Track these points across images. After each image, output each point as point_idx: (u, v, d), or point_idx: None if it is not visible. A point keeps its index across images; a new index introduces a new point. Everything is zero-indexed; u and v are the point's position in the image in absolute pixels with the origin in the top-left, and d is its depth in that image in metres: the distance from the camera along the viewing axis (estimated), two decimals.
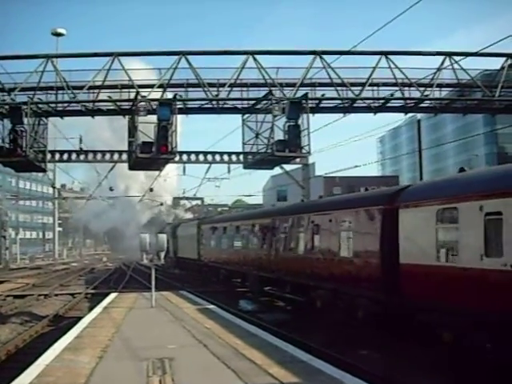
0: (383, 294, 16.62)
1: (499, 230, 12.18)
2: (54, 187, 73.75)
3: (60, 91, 25.18)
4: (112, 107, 26.48)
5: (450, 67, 24.95)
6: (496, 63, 26.03)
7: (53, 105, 25.92)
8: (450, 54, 24.76)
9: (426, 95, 25.98)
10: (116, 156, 36.03)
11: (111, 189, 47.26)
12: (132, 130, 24.17)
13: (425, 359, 13.67)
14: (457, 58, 24.70)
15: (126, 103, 25.68)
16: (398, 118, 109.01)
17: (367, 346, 15.79)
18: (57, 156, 35.90)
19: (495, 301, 12.07)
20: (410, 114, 34.96)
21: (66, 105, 26.07)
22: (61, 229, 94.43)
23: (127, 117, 25.34)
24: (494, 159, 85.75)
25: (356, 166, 32.39)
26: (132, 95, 24.76)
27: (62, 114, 26.80)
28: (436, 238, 14.54)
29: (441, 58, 24.90)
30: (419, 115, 55.53)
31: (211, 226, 40.95)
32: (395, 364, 13.81)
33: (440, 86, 26.36)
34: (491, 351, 12.54)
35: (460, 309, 13.14)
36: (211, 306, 21.24)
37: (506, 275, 11.75)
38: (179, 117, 24.59)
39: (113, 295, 25.06)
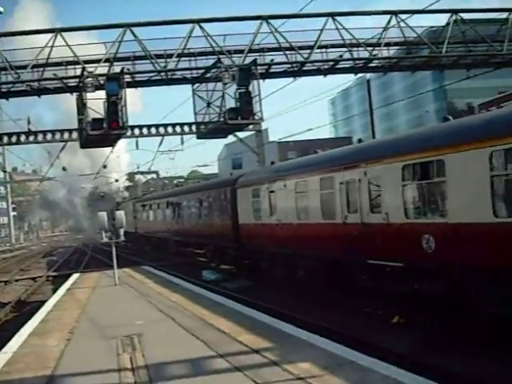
0: (234, 243, 25.95)
1: (274, 201, 21.52)
2: (4, 171, 71.87)
3: (3, 72, 24.44)
4: (58, 85, 25.86)
5: (397, 26, 25.08)
6: (441, 20, 26.34)
7: None
8: (396, 13, 24.84)
9: (375, 55, 26.12)
10: (66, 135, 35.26)
11: (64, 168, 46.36)
12: (81, 107, 23.63)
13: (386, 316, 14.02)
14: (403, 16, 24.84)
15: (73, 80, 25.10)
16: (348, 80, 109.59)
17: (328, 307, 16.05)
18: (5, 139, 35.02)
19: (275, 240, 21.10)
20: (359, 75, 35.18)
21: (10, 86, 25.34)
22: (15, 213, 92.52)
23: (75, 94, 24.79)
24: (444, 114, 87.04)
25: (309, 130, 32.71)
26: (78, 72, 24.19)
27: (7, 95, 26.07)
28: (252, 207, 23.89)
29: (387, 16, 24.99)
30: (368, 75, 55.77)
31: (141, 204, 51.13)
32: (356, 322, 14.10)
33: (388, 44, 26.52)
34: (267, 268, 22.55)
35: (262, 247, 22.60)
36: (175, 279, 21.28)
37: (276, 226, 21.10)
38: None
39: (75, 276, 24.86)
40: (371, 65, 28.32)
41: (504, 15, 26.19)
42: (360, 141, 22.31)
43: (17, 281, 31.43)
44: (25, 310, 21.04)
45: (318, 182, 17.72)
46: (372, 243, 14.69)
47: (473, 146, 11.43)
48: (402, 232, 13.72)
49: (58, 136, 35.13)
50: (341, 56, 26.41)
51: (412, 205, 13.75)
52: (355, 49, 25.99)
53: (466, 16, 26.00)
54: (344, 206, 16.16)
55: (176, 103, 79.22)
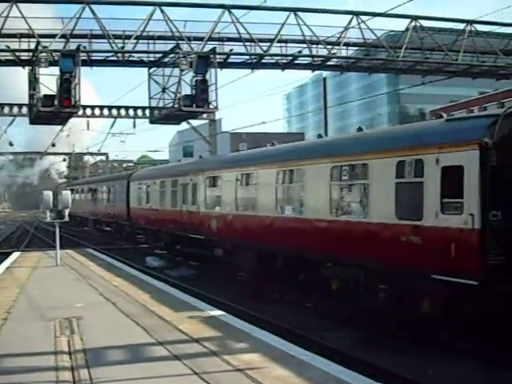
0: (128, 221, 34.71)
1: (148, 193, 30.64)
2: None
3: None
4: (10, 57, 25.13)
5: (357, 26, 25.37)
6: (401, 25, 26.79)
7: None
8: (357, 14, 25.18)
9: (333, 53, 26.39)
10: (16, 109, 34.24)
11: (11, 144, 45.21)
12: (33, 82, 23.09)
13: (335, 313, 14.16)
14: (364, 17, 25.15)
15: (26, 54, 24.45)
16: (305, 76, 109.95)
17: (275, 300, 16.12)
18: None
19: (148, 220, 30.21)
20: (316, 72, 35.43)
21: None
22: None
23: (27, 68, 24.16)
24: (396, 118, 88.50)
25: (263, 123, 32.37)
26: (32, 45, 23.56)
27: None
28: (138, 195, 32.66)
29: (349, 16, 25.27)
30: (325, 73, 56.22)
31: (71, 188, 54.16)
32: (302, 316, 14.19)
33: (347, 44, 26.81)
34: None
35: (142, 225, 31.46)
36: (118, 263, 21.04)
37: (148, 210, 29.97)
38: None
39: (15, 254, 24.27)
40: (329, 63, 28.63)
41: (461, 26, 26.82)
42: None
43: None
44: None
45: (171, 183, 26.34)
46: (192, 224, 22.94)
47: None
48: (204, 217, 21.94)
49: (6, 110, 34.09)
50: (300, 52, 26.56)
51: (209, 201, 22.08)
52: (314, 46, 26.20)
53: (425, 23, 26.59)
54: (180, 200, 24.77)
55: (130, 86, 78.46)
